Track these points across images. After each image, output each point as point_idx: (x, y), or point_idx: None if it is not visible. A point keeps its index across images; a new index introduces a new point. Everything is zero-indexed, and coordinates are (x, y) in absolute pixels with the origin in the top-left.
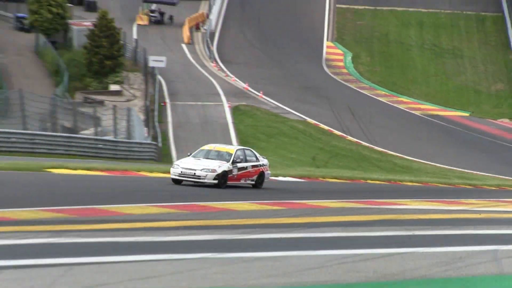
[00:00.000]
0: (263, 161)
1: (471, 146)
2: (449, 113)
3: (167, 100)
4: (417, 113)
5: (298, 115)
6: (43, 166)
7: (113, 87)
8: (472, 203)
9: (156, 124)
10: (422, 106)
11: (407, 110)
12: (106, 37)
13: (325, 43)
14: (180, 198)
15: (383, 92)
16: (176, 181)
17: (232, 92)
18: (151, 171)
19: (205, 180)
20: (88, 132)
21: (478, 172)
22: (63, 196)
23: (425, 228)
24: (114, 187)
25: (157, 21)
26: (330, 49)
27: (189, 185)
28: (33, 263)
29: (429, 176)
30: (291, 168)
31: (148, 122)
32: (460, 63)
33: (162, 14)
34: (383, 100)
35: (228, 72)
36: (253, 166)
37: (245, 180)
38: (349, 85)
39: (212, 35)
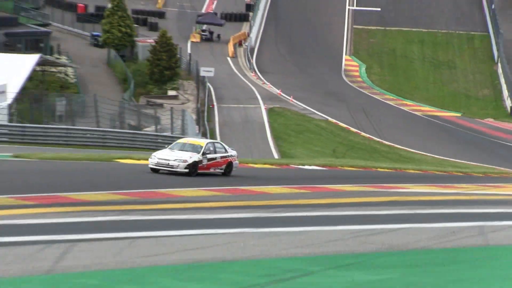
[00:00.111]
0: (232, 152)
1: (462, 140)
2: (444, 113)
3: (215, 103)
4: (418, 113)
5: (321, 116)
6: (112, 157)
7: (171, 93)
8: (463, 187)
9: (206, 123)
10: (422, 108)
11: (411, 111)
12: (165, 51)
13: (344, 57)
14: (224, 182)
15: (391, 97)
16: (154, 170)
17: (268, 97)
18: None
19: (178, 169)
20: (149, 129)
21: (467, 162)
22: (128, 181)
23: (424, 208)
24: (170, 174)
25: (207, 38)
26: (348, 62)
27: (165, 174)
28: (103, 237)
29: (428, 165)
30: (315, 159)
31: (199, 121)
32: (454, 73)
33: (211, 33)
34: (391, 103)
35: (265, 80)
36: (222, 157)
37: (214, 169)
38: (363, 91)
39: (252, 50)
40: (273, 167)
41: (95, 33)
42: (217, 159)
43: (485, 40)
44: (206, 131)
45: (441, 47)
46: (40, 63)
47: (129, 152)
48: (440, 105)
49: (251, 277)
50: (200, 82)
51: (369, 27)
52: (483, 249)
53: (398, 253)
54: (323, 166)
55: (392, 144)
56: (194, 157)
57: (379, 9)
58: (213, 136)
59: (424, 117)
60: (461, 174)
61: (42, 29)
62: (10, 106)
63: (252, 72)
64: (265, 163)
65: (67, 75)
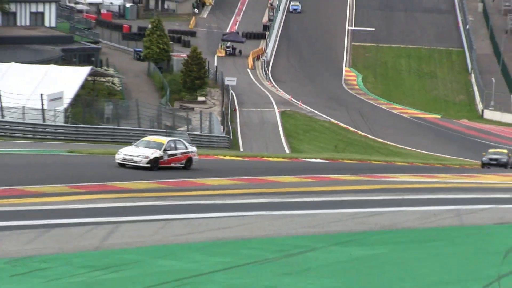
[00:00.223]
0: (192, 148)
1: (442, 138)
2: (427, 115)
3: (237, 107)
4: (405, 115)
5: (325, 117)
6: None
7: (200, 98)
8: (442, 176)
9: (229, 123)
10: (409, 111)
11: (399, 113)
12: (196, 64)
13: (344, 68)
14: (244, 172)
15: (383, 102)
16: (121, 165)
17: (281, 102)
18: (224, 155)
19: (140, 164)
20: (182, 129)
21: (446, 155)
22: (163, 172)
23: (410, 194)
24: (199, 165)
25: (231, 53)
26: (347, 73)
27: (131, 167)
28: (142, 219)
29: (413, 158)
30: (320, 153)
31: (223, 122)
32: (435, 82)
33: (234, 49)
34: (382, 107)
35: (278, 88)
36: (182, 153)
37: (175, 163)
38: (360, 97)
39: (267, 63)
40: (285, 160)
41: (137, 49)
42: (178, 155)
43: (461, 54)
44: (229, 131)
45: (424, 61)
46: (91, 74)
47: None
48: (423, 108)
49: (266, 252)
50: (225, 89)
51: (365, 44)
52: (459, 229)
53: (388, 232)
54: (326, 159)
55: (384, 141)
56: (155, 153)
57: (373, 29)
58: (235, 135)
59: (410, 118)
60: (441, 165)
61: (93, 45)
62: (66, 110)
63: (267, 81)
64: (278, 157)
65: (113, 84)
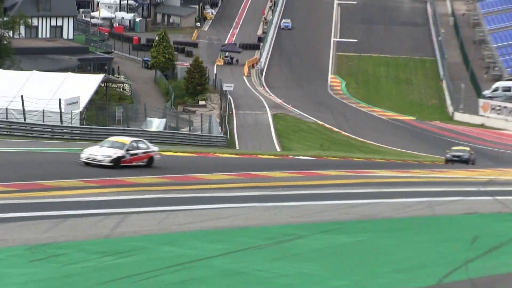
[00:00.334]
0: (154, 148)
1: (416, 137)
2: (403, 117)
3: (234, 110)
4: (384, 117)
5: (312, 119)
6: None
7: (201, 102)
8: (416, 172)
9: (227, 125)
10: (387, 113)
11: (378, 116)
12: (198, 72)
13: (330, 75)
14: (239, 168)
15: (364, 105)
16: (86, 163)
17: (273, 105)
18: (222, 153)
19: (103, 163)
20: (185, 130)
21: (420, 153)
22: (168, 168)
23: (387, 187)
24: (200, 162)
25: (229, 62)
26: (333, 79)
27: (97, 166)
28: (148, 210)
29: (390, 156)
30: (307, 151)
31: (221, 123)
32: (410, 87)
33: (231, 58)
34: (364, 110)
35: (271, 93)
36: (144, 152)
37: (137, 162)
38: (344, 101)
39: (261, 70)
40: (276, 157)
41: (145, 59)
42: (140, 154)
43: (433, 63)
44: (227, 131)
45: (401, 68)
46: (104, 81)
47: (170, 147)
48: (400, 111)
49: (258, 240)
50: (223, 94)
51: (348, 54)
52: (430, 218)
53: (367, 221)
54: (313, 157)
55: (364, 140)
56: (118, 153)
57: (356, 40)
58: (232, 135)
59: (388, 120)
60: (415, 162)
61: (106, 55)
62: (81, 113)
63: (261, 87)
64: (270, 155)
65: (124, 89)
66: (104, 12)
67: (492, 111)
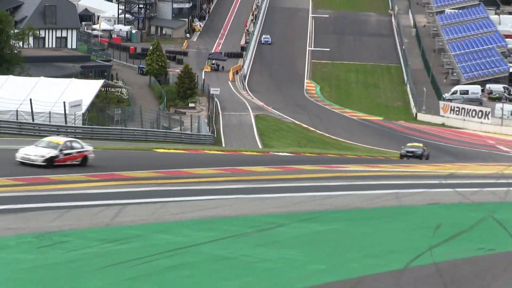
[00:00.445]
0: (88, 148)
1: (383, 135)
2: (372, 117)
3: (220, 112)
4: (355, 118)
5: (291, 120)
6: (151, 147)
7: (191, 105)
8: (384, 166)
9: (213, 125)
10: (357, 114)
11: (350, 116)
12: (188, 78)
13: (306, 80)
14: (226, 164)
15: (336, 107)
16: (21, 163)
17: (255, 107)
18: (210, 150)
19: (37, 162)
20: (176, 129)
21: (387, 149)
22: (161, 163)
23: (358, 180)
24: (190, 158)
25: (215, 69)
26: (308, 84)
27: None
28: (144, 201)
29: (361, 152)
30: (286, 148)
31: (209, 123)
32: (378, 91)
33: (218, 65)
34: (336, 111)
35: (253, 96)
36: (78, 152)
37: (71, 161)
38: (318, 103)
39: (245, 76)
40: (258, 154)
41: (141, 66)
42: (73, 154)
43: (398, 69)
44: (214, 131)
45: (369, 74)
46: (104, 85)
47: (163, 144)
48: (369, 112)
49: (243, 228)
50: (210, 98)
51: (322, 61)
52: (398, 208)
53: (341, 211)
54: (291, 153)
55: (337, 138)
56: (51, 152)
57: (329, 49)
58: (218, 134)
59: (359, 120)
60: (383, 157)
61: (106, 63)
62: (83, 114)
63: (244, 91)
64: (253, 151)
65: (122, 93)
66: (104, 25)
67: (452, 112)
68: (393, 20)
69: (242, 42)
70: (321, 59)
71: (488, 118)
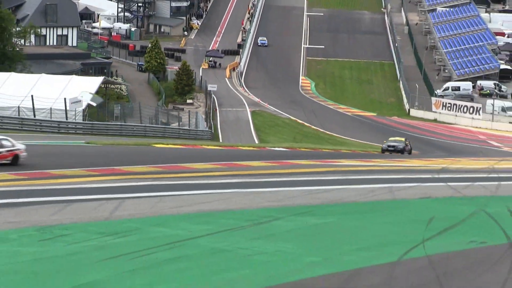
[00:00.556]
0: (19, 146)
1: (377, 131)
2: (365, 113)
3: (217, 108)
4: (349, 113)
5: (286, 115)
6: (150, 143)
7: (189, 101)
8: (378, 161)
9: (211, 121)
10: (351, 110)
11: (344, 112)
12: (186, 74)
13: (301, 77)
14: (223, 158)
15: (331, 103)
16: None
17: (251, 103)
18: (207, 145)
19: None
20: (175, 125)
21: (381, 144)
22: (160, 158)
23: (353, 175)
24: (188, 153)
25: (213, 66)
26: (303, 80)
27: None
28: (143, 195)
29: (355, 147)
30: (282, 143)
31: (207, 119)
32: (371, 87)
33: (215, 62)
34: (331, 107)
35: (249, 92)
36: (8, 151)
37: (0, 160)
38: (313, 99)
39: (241, 73)
40: (255, 149)
41: (140, 63)
42: (3, 153)
43: (391, 66)
44: (211, 126)
45: (363, 71)
46: (104, 82)
47: (161, 140)
48: (362, 108)
49: (239, 221)
50: (208, 94)
51: (317, 58)
52: (391, 202)
53: (336, 205)
54: (287, 148)
55: (332, 133)
56: None
57: (323, 47)
58: (216, 129)
59: (353, 115)
60: (376, 152)
61: (106, 60)
62: (84, 110)
63: (241, 88)
64: (249, 146)
65: (121, 90)
66: (103, 23)
67: (444, 108)
68: (386, 18)
69: (239, 39)
70: (316, 56)
71: (479, 114)
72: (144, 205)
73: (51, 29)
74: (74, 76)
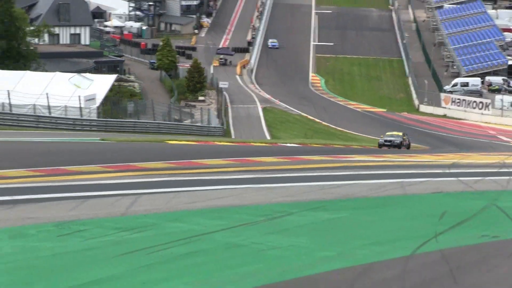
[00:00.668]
0: None
1: (387, 126)
2: (375, 109)
3: (229, 104)
4: (359, 110)
5: (297, 112)
6: (164, 139)
7: (200, 98)
8: (389, 156)
9: (223, 117)
10: (361, 106)
11: (354, 108)
12: (197, 72)
13: (311, 74)
14: (235, 154)
15: (341, 99)
16: None
17: (263, 100)
18: (220, 141)
19: None
20: (187, 121)
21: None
22: (173, 154)
23: (364, 170)
24: (201, 149)
25: (223, 63)
26: (313, 77)
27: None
28: (158, 191)
29: (365, 143)
30: (293, 139)
31: (219, 116)
32: (381, 84)
33: (226, 60)
34: (341, 103)
35: (260, 89)
36: None
37: None
38: (323, 96)
39: (252, 70)
40: (266, 144)
41: (152, 61)
42: None
43: (400, 62)
44: (223, 123)
45: (372, 68)
46: (117, 80)
47: (175, 136)
48: (372, 104)
49: (253, 216)
50: (219, 91)
51: (326, 55)
52: (402, 197)
53: (347, 200)
54: (298, 144)
55: (342, 129)
56: None
57: (332, 44)
58: (228, 126)
59: (363, 111)
60: (387, 148)
61: (118, 58)
62: (98, 108)
63: (252, 85)
64: (261, 142)
65: (134, 87)
66: (115, 22)
67: (453, 104)
68: (393, 15)
69: (249, 37)
70: (325, 53)
71: (488, 109)
72: (160, 201)
73: (64, 28)
74: (87, 74)
